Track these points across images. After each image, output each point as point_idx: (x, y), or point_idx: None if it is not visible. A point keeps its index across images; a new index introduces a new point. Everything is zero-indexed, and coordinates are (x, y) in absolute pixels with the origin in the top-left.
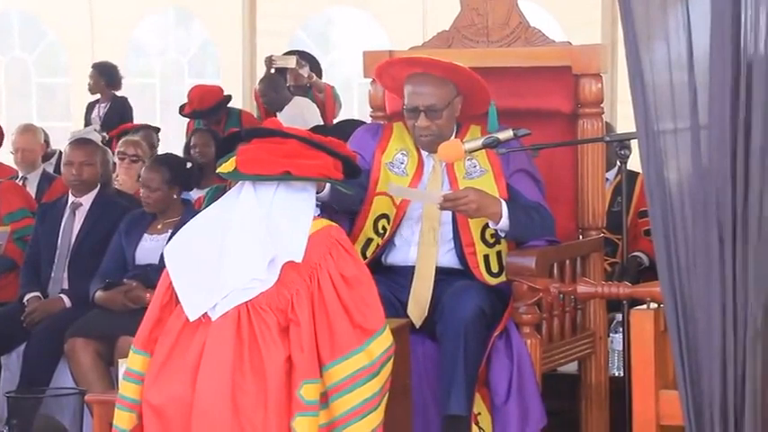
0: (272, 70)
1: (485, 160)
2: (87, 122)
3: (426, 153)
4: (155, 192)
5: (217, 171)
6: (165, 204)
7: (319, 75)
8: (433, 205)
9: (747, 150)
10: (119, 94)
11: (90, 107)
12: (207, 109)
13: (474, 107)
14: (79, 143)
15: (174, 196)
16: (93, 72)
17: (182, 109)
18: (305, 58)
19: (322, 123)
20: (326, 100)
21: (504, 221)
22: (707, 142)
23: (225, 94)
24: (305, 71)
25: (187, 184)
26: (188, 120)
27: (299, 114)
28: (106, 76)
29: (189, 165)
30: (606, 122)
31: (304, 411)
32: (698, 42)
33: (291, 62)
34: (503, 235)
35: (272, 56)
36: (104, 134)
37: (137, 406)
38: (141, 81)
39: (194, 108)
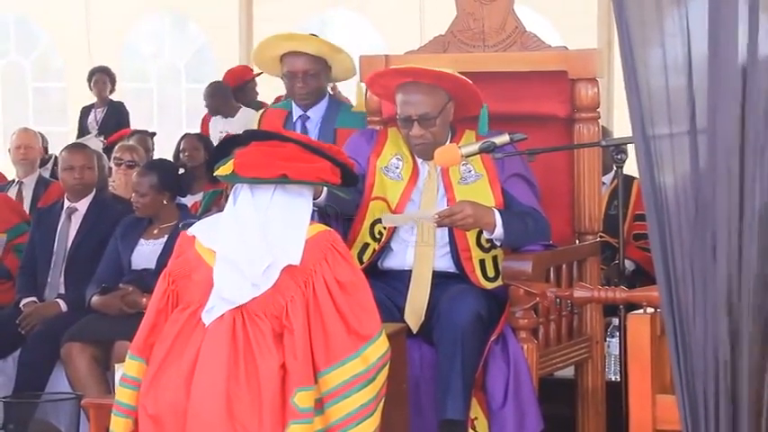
0: None
1: (479, 165)
2: (82, 127)
3: (422, 160)
4: (143, 196)
5: (214, 174)
6: (154, 209)
7: None
8: (430, 224)
9: (746, 154)
10: (114, 98)
11: (85, 112)
12: (238, 86)
13: (466, 110)
14: (76, 147)
15: (165, 201)
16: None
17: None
18: None
19: None
20: None
21: (499, 230)
22: (704, 146)
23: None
24: None
25: (178, 189)
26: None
27: (242, 128)
28: None
29: (181, 171)
30: (603, 126)
31: (298, 419)
32: (695, 46)
33: None
34: (498, 244)
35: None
36: (104, 140)
37: (133, 412)
38: (137, 85)
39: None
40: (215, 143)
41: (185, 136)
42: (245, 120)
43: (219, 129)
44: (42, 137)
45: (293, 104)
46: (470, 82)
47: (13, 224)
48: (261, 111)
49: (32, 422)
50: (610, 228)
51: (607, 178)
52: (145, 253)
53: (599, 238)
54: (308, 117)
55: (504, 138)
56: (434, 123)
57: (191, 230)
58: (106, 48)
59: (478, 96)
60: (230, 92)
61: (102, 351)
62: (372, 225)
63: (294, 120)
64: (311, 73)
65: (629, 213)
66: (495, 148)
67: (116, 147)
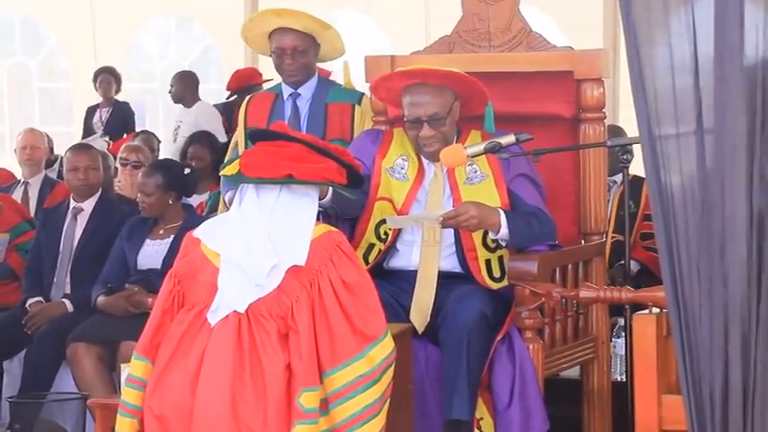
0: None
1: (485, 165)
2: (87, 127)
3: (427, 161)
4: (149, 196)
5: (220, 174)
6: (160, 209)
7: None
8: (435, 226)
9: (753, 153)
10: (120, 98)
11: (90, 112)
12: (241, 89)
13: (471, 108)
14: (81, 148)
15: (170, 201)
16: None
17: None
18: None
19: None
20: None
21: (504, 231)
22: (711, 146)
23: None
24: None
25: (183, 189)
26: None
27: (193, 121)
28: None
29: (186, 171)
30: (616, 126)
31: (303, 419)
32: (702, 46)
33: None
34: (504, 244)
35: None
36: (109, 140)
37: (138, 412)
38: (143, 86)
39: (230, 87)
40: (171, 134)
41: (191, 136)
42: (202, 111)
43: (176, 119)
44: (48, 137)
45: (282, 85)
46: (476, 80)
47: (15, 224)
48: (247, 97)
49: (38, 422)
50: (622, 228)
51: (619, 177)
52: (150, 253)
53: (612, 239)
54: (299, 94)
55: (510, 138)
56: (444, 123)
57: (196, 232)
58: (112, 48)
59: (484, 94)
60: (198, 83)
61: (107, 351)
62: (378, 225)
63: (285, 99)
64: (300, 49)
65: (639, 213)
66: (501, 149)
67: (122, 147)
